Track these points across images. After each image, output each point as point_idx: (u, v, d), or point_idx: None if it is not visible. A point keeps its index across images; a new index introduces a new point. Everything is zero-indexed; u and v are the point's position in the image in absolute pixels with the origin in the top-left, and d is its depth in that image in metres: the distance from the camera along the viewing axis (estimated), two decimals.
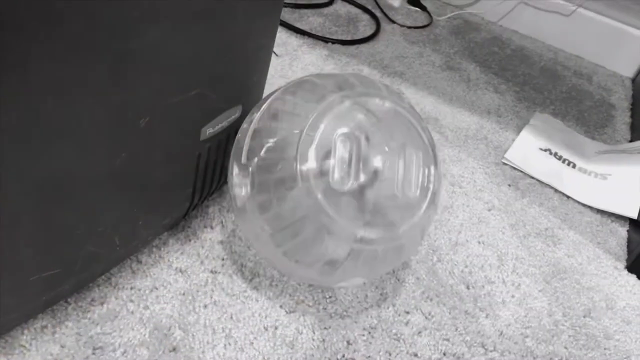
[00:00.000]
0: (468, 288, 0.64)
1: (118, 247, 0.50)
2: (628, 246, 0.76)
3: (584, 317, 0.64)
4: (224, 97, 0.52)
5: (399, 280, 0.62)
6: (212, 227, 0.61)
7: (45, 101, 0.34)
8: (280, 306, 0.55)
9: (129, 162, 0.44)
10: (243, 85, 0.55)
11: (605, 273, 0.71)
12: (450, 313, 0.60)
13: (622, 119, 1.06)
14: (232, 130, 0.57)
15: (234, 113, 0.55)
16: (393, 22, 1.15)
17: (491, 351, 0.57)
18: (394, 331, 0.56)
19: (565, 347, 0.60)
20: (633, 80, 1.22)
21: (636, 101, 1.12)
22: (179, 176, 0.53)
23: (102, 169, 0.42)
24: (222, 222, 0.62)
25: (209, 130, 0.52)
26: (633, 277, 0.72)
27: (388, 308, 0.59)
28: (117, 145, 0.42)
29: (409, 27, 1.15)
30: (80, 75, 0.36)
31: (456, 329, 0.59)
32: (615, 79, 1.20)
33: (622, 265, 0.73)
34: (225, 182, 0.63)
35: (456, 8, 1.29)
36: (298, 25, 1.04)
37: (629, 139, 1.00)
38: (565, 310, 0.64)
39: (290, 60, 0.93)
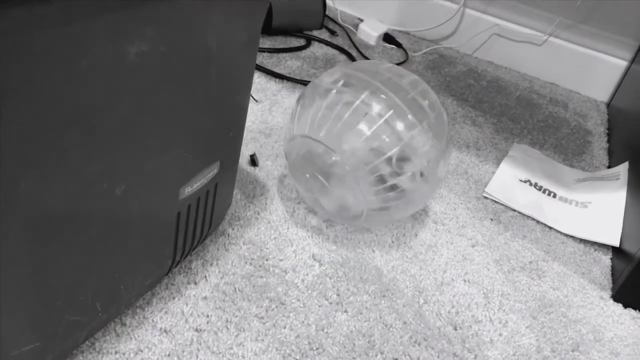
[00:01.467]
0: (455, 329, 0.64)
1: (100, 313, 0.50)
2: (612, 275, 0.77)
3: (573, 351, 0.64)
4: (201, 156, 0.53)
5: (386, 326, 0.62)
6: (195, 283, 0.61)
7: (16, 178, 0.35)
8: None
9: (107, 230, 0.44)
10: (220, 143, 0.56)
11: (591, 304, 0.71)
12: (439, 357, 0.60)
13: (599, 145, 1.08)
14: (212, 186, 0.57)
15: (212, 170, 0.56)
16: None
17: None
18: None
19: None
20: (608, 105, 1.25)
21: (612, 126, 1.14)
22: (159, 236, 0.53)
23: (79, 238, 0.42)
24: (205, 276, 0.62)
25: (187, 190, 0.53)
26: (619, 306, 0.72)
27: (376, 356, 0.58)
28: (94, 215, 0.42)
29: None
30: (51, 150, 0.36)
31: None
32: (590, 104, 1.23)
33: (607, 294, 0.73)
34: (208, 234, 0.63)
35: (431, 43, 1.31)
36: (276, 69, 1.06)
37: (607, 164, 1.02)
38: (554, 345, 0.64)
39: (270, 105, 0.95)
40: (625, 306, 0.72)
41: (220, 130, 0.55)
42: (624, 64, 1.22)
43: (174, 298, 0.59)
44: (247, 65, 0.54)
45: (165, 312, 0.58)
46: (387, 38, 1.26)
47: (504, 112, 1.11)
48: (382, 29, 1.26)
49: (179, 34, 0.41)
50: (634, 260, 0.72)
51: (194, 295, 0.60)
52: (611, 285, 0.75)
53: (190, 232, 0.58)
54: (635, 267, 0.71)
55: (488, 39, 1.29)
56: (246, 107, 0.59)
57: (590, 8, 1.20)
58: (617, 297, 0.73)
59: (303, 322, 0.60)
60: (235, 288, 0.62)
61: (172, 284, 0.60)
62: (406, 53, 1.24)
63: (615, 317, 0.70)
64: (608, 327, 0.69)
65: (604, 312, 0.71)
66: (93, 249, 0.44)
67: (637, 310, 0.72)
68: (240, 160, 0.81)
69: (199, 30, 0.43)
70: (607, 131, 1.13)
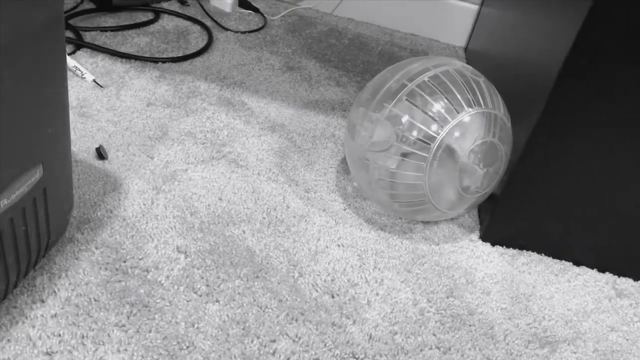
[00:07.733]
0: (333, 297, 0.63)
1: None
2: (479, 215, 0.79)
3: (447, 298, 0.66)
4: (12, 161, 0.46)
5: (261, 308, 0.59)
6: (43, 301, 0.55)
7: None
8: None
9: None
10: (37, 143, 0.49)
11: (461, 248, 0.73)
12: (317, 329, 0.59)
13: None
14: (39, 192, 0.51)
15: (34, 174, 0.49)
16: (226, 29, 1.11)
17: (362, 359, 0.57)
18: None
19: (434, 334, 0.61)
20: (465, 49, 1.28)
21: None
22: None
23: None
24: (54, 291, 0.56)
25: (3, 202, 0.46)
26: (487, 245, 0.75)
27: (252, 342, 0.56)
28: None
29: (243, 32, 1.12)
30: None
31: (325, 345, 0.57)
32: (449, 50, 1.26)
33: (476, 236, 0.76)
34: (50, 245, 0.56)
35: (290, 4, 1.28)
36: (122, 49, 0.97)
37: None
38: (429, 295, 0.65)
39: (117, 90, 0.87)
40: (493, 244, 0.75)
41: (33, 130, 0.48)
42: (475, 7, 1.25)
43: (17, 323, 0.52)
44: (53, 52, 0.47)
45: (8, 340, 0.51)
46: (243, 3, 1.21)
47: (367, 69, 1.10)
48: None
49: None
50: (497, 198, 0.74)
51: (42, 315, 0.54)
52: (479, 226, 0.78)
53: (22, 247, 0.51)
54: (498, 205, 0.73)
55: None
56: (64, 99, 0.52)
57: None
58: (485, 236, 0.75)
59: (170, 321, 0.56)
60: (90, 299, 0.56)
61: (13, 307, 0.54)
62: (264, 18, 1.19)
63: (485, 257, 0.73)
64: (479, 267, 0.71)
65: (474, 254, 0.73)
66: None
67: (504, 247, 0.75)
68: (84, 155, 0.73)
69: None
70: None
